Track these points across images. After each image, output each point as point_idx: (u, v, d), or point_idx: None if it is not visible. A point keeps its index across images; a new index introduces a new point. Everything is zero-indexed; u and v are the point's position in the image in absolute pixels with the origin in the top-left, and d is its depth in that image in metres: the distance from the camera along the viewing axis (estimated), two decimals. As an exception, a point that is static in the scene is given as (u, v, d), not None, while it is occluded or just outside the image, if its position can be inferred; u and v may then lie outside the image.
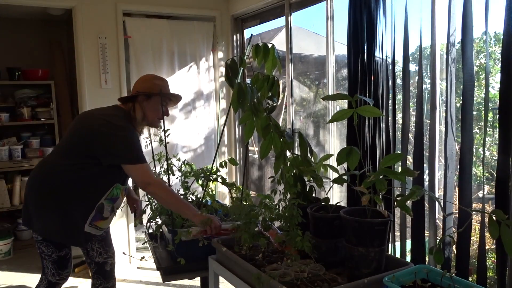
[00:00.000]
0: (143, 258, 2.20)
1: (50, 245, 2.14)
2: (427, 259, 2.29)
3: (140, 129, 2.25)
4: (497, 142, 1.91)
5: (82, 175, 2.06)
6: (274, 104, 1.89)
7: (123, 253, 3.67)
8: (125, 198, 2.35)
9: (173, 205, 2.04)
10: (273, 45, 1.88)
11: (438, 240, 2.25)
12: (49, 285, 2.21)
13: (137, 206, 2.46)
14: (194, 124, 4.12)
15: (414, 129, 2.32)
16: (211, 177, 2.34)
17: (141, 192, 2.89)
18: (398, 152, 2.42)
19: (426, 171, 2.35)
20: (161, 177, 2.38)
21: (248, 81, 2.57)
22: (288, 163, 1.85)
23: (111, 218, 2.24)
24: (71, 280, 3.62)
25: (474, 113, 2.17)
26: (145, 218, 2.49)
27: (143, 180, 2.03)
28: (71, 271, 2.30)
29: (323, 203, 1.81)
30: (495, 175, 1.92)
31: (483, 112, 2.10)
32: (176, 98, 2.27)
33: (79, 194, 2.08)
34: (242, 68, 1.95)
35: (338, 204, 1.87)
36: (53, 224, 2.10)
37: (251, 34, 2.34)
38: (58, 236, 2.13)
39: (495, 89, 2.44)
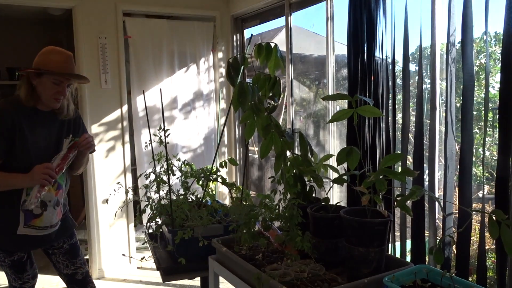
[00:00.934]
0: (143, 258, 2.19)
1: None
2: (427, 259, 2.28)
3: (51, 109, 2.04)
4: (497, 142, 1.90)
5: None
6: (275, 104, 1.89)
7: (123, 254, 3.67)
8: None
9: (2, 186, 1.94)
10: (276, 45, 1.88)
11: (438, 240, 2.25)
12: None
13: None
14: (194, 124, 4.12)
15: (414, 129, 2.32)
16: (211, 177, 2.34)
17: (141, 192, 2.89)
18: (398, 152, 2.42)
19: (426, 171, 2.35)
20: (161, 177, 2.37)
21: (248, 80, 2.56)
22: (288, 163, 1.85)
23: (50, 213, 2.05)
24: (71, 280, 3.62)
25: (474, 113, 2.17)
26: (145, 218, 2.49)
27: None
28: (36, 273, 2.22)
29: (323, 203, 1.81)
30: (495, 175, 1.92)
31: (483, 112, 2.10)
32: (79, 78, 2.05)
33: None
34: (242, 67, 1.95)
35: (338, 204, 1.87)
36: None
37: (251, 34, 2.34)
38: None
39: (495, 89, 2.44)
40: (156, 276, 3.18)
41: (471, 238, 2.16)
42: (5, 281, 3.62)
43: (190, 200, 2.37)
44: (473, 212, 2.29)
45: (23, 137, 1.96)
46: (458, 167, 2.06)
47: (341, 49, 2.97)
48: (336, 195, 3.16)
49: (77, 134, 2.16)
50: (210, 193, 2.45)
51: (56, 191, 2.07)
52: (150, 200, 2.32)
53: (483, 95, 2.31)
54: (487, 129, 2.26)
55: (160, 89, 2.88)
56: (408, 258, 2.44)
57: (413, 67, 2.61)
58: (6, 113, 1.93)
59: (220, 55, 4.16)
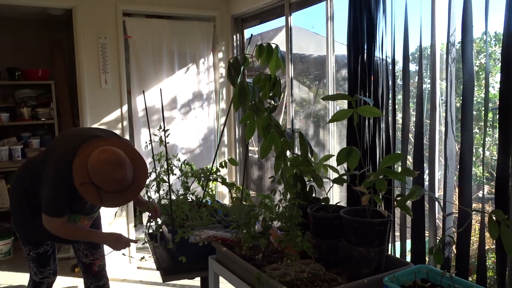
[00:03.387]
0: (143, 258, 2.20)
1: (26, 243, 2.16)
2: (427, 259, 2.29)
3: None
4: (497, 142, 1.90)
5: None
6: (276, 104, 1.89)
7: (123, 254, 3.66)
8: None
9: (82, 238, 2.17)
10: (276, 46, 1.88)
11: (438, 240, 2.25)
12: (34, 285, 2.22)
13: (155, 214, 2.24)
14: (193, 124, 4.12)
15: (414, 129, 2.32)
16: (211, 177, 2.34)
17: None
18: (398, 152, 2.42)
19: (426, 171, 2.35)
20: (161, 177, 2.38)
21: (248, 80, 2.56)
22: (288, 163, 1.85)
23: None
24: (71, 280, 3.62)
25: (474, 113, 2.17)
26: (145, 218, 2.49)
27: (49, 229, 1.99)
28: (56, 270, 2.29)
29: (323, 203, 1.81)
30: (495, 175, 1.92)
31: (483, 112, 2.10)
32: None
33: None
34: (243, 68, 1.95)
35: (338, 204, 1.87)
36: (22, 222, 2.12)
37: (251, 34, 2.34)
38: (27, 233, 2.15)
39: (495, 89, 2.44)
40: (156, 276, 3.18)
41: (471, 238, 2.15)
42: (5, 281, 3.62)
43: (190, 200, 2.38)
44: (473, 212, 2.29)
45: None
46: (458, 167, 2.06)
47: (341, 49, 2.97)
48: (336, 195, 3.16)
49: None
50: (210, 193, 2.45)
51: (89, 221, 2.24)
52: (150, 200, 2.32)
53: (483, 95, 2.31)
54: (487, 129, 2.26)
55: (160, 89, 2.88)
56: (408, 258, 2.44)
57: (413, 67, 2.61)
58: (65, 177, 1.89)
59: (220, 55, 4.16)
